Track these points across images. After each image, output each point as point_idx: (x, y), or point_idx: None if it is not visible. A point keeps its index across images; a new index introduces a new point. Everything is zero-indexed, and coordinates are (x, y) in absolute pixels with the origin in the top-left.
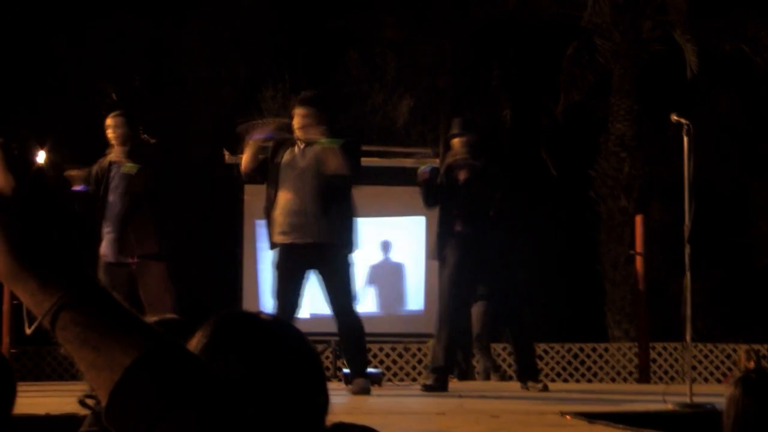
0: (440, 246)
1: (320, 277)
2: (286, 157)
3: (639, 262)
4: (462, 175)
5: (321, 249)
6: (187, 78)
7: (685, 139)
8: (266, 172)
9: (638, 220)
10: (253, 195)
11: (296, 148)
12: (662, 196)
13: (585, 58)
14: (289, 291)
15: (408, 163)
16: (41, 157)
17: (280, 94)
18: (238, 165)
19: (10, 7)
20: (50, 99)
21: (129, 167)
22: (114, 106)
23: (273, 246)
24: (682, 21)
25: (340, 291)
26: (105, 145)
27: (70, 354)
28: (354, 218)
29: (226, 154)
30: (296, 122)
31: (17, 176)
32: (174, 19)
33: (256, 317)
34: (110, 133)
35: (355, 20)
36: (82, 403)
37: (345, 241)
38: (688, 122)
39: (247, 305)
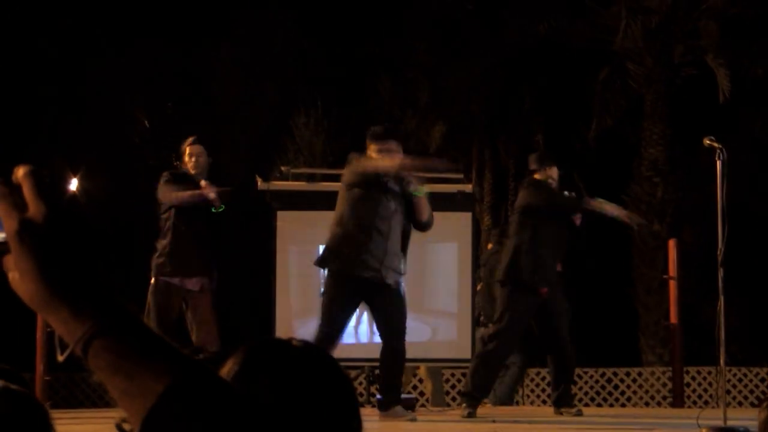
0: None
1: (374, 305)
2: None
3: (672, 286)
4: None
5: (383, 282)
6: (220, 104)
7: (718, 163)
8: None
9: (671, 244)
10: (286, 221)
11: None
12: (695, 220)
13: (617, 83)
14: (342, 319)
15: (441, 188)
16: (74, 184)
17: (313, 120)
18: (270, 191)
19: (42, 34)
20: (83, 126)
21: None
22: (146, 133)
23: (337, 272)
24: (714, 45)
25: (394, 317)
26: (137, 171)
27: (102, 381)
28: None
29: (259, 181)
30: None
31: (48, 203)
32: (206, 45)
33: (288, 343)
34: (193, 161)
35: (388, 46)
36: (119, 427)
37: (401, 272)
38: (720, 146)
39: (279, 332)
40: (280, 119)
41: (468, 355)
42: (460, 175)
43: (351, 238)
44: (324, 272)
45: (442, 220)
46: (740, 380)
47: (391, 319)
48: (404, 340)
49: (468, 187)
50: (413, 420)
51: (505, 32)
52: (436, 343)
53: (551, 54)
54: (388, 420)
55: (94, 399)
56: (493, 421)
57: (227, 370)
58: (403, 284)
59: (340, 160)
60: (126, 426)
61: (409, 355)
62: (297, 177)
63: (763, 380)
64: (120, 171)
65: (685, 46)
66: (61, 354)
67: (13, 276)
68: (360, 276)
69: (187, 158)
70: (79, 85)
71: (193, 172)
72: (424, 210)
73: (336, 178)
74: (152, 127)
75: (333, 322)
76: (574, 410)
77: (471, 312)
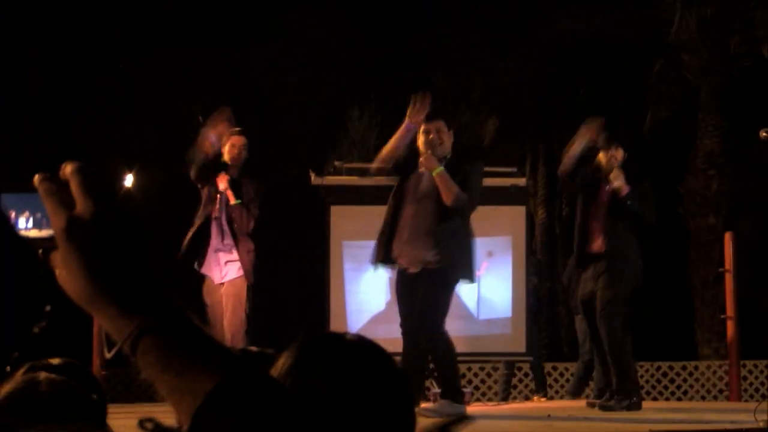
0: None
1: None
2: None
3: (728, 279)
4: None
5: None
6: (274, 99)
7: None
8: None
9: (727, 237)
10: (339, 216)
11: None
12: (752, 214)
13: (672, 74)
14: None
15: (495, 182)
16: (128, 180)
17: (366, 115)
18: (324, 186)
19: (98, 30)
20: (138, 123)
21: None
22: (200, 128)
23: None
24: None
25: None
26: (185, 167)
27: (151, 378)
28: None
29: (312, 175)
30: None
31: (96, 200)
32: (261, 41)
33: (342, 337)
34: (236, 152)
35: (441, 40)
36: (141, 424)
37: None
38: None
39: (334, 327)
40: (334, 114)
41: (522, 349)
42: (514, 169)
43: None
44: (387, 271)
45: (496, 213)
46: None
47: (419, 312)
48: (434, 334)
49: (521, 181)
50: (462, 416)
51: (558, 24)
52: (490, 337)
53: (606, 46)
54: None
55: (150, 394)
56: (549, 416)
57: (281, 363)
58: (443, 275)
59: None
60: (149, 425)
61: (461, 349)
62: (350, 172)
63: None
64: (176, 167)
65: (741, 37)
66: (109, 351)
67: (61, 273)
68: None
69: (228, 147)
70: (135, 82)
71: (229, 162)
72: (443, 189)
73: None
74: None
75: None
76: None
77: (525, 306)
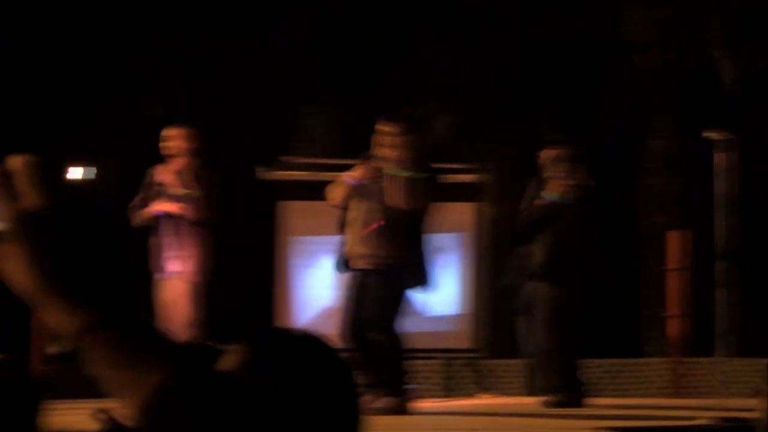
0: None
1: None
2: None
3: (675, 278)
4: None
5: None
6: (226, 93)
7: (723, 154)
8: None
9: (675, 236)
10: (286, 211)
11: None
12: (699, 213)
13: (623, 75)
14: None
15: (449, 179)
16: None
17: (319, 110)
18: (271, 181)
19: (58, 27)
20: (97, 117)
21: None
22: (157, 122)
23: None
24: (720, 38)
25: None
26: (152, 160)
27: (97, 374)
28: None
29: (260, 170)
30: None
31: (46, 194)
32: (215, 35)
33: (289, 333)
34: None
35: (395, 37)
36: (97, 418)
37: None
38: (725, 138)
39: (280, 322)
40: (286, 109)
41: (469, 345)
42: (469, 166)
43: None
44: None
45: (450, 210)
46: (740, 371)
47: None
48: (384, 330)
49: (475, 178)
50: (403, 410)
51: (511, 25)
52: (437, 334)
53: (558, 46)
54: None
55: (92, 390)
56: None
57: (229, 359)
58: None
59: (344, 151)
60: (102, 416)
61: (407, 345)
62: (298, 167)
63: (764, 371)
64: (134, 160)
65: (692, 39)
66: (55, 346)
67: (6, 266)
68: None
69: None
70: (93, 76)
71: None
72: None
73: (338, 168)
74: (165, 117)
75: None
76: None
77: (476, 304)
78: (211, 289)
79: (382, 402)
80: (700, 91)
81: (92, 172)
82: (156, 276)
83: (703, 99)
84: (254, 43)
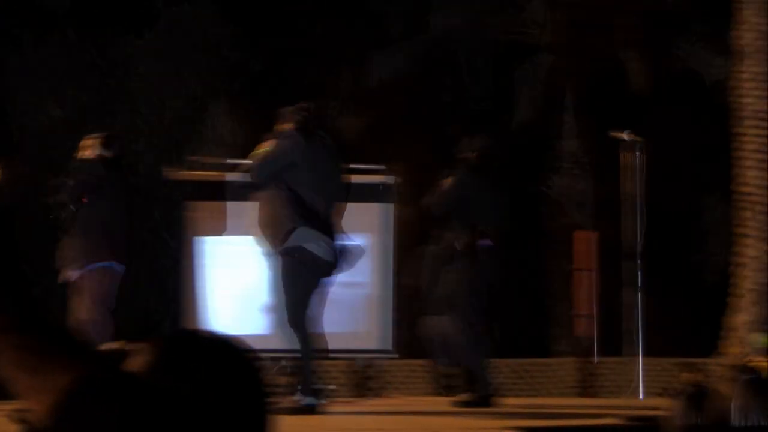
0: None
1: None
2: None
3: (585, 277)
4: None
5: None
6: (134, 93)
7: (637, 155)
8: None
9: (585, 236)
10: (195, 211)
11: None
12: (611, 213)
13: (537, 75)
14: None
15: (362, 179)
16: None
17: (229, 110)
18: (180, 181)
19: None
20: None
21: None
22: (60, 123)
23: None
24: (632, 40)
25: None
26: (56, 161)
27: (6, 377)
28: None
29: (169, 170)
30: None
31: None
32: (123, 35)
33: (200, 335)
34: None
35: (308, 35)
36: (13, 418)
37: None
38: (638, 139)
39: (188, 324)
40: (196, 109)
41: (389, 346)
42: (382, 166)
43: None
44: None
45: (363, 211)
46: (652, 371)
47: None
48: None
49: (389, 178)
50: (315, 410)
51: (424, 23)
52: (345, 335)
53: (472, 46)
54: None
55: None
56: (402, 412)
57: (139, 361)
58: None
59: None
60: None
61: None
62: (207, 167)
63: (673, 371)
64: (35, 161)
65: (604, 40)
66: None
67: None
68: None
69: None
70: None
71: None
72: None
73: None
74: (67, 118)
75: None
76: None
77: (392, 304)
78: (120, 290)
79: (292, 402)
80: (612, 92)
81: None
82: (63, 270)
83: (611, 100)
84: (162, 43)
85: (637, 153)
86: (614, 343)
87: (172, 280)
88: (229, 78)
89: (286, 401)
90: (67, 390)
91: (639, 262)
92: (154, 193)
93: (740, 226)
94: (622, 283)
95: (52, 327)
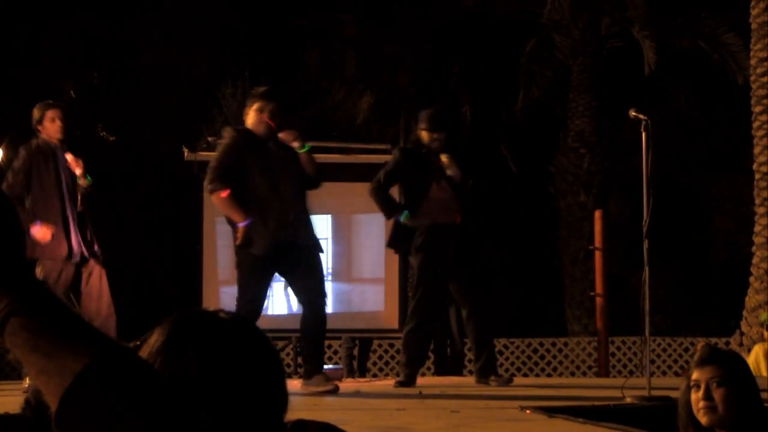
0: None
1: (293, 273)
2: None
3: (598, 257)
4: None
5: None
6: (147, 75)
7: (644, 134)
8: None
9: (597, 215)
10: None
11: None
12: (621, 192)
13: (544, 54)
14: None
15: (368, 159)
16: None
17: (240, 92)
18: (197, 162)
19: None
20: (7, 98)
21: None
22: (73, 103)
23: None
24: (640, 17)
25: (313, 286)
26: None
27: (20, 359)
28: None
29: (186, 152)
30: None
31: None
32: (134, 17)
33: (215, 315)
34: (58, 126)
35: (315, 18)
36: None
37: (315, 239)
38: (646, 118)
39: (207, 304)
40: (208, 90)
41: (395, 325)
42: (388, 146)
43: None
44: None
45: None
46: (664, 350)
47: (309, 283)
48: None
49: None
50: (335, 390)
51: (432, 4)
52: (362, 314)
53: (479, 26)
54: (309, 389)
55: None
56: (420, 393)
57: (153, 341)
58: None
59: None
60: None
61: (335, 325)
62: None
63: (686, 350)
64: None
65: (612, 18)
66: None
67: None
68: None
69: (49, 123)
70: (3, 56)
71: (58, 137)
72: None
73: None
74: (78, 99)
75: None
76: (503, 378)
77: (399, 283)
78: (139, 273)
79: (312, 380)
80: (621, 70)
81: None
82: (49, 253)
83: (624, 77)
84: (174, 24)
85: (648, 132)
86: (630, 323)
87: (190, 261)
88: (240, 58)
89: (302, 382)
90: (80, 374)
91: (645, 240)
92: (170, 174)
93: (758, 205)
94: (635, 263)
95: (66, 310)
